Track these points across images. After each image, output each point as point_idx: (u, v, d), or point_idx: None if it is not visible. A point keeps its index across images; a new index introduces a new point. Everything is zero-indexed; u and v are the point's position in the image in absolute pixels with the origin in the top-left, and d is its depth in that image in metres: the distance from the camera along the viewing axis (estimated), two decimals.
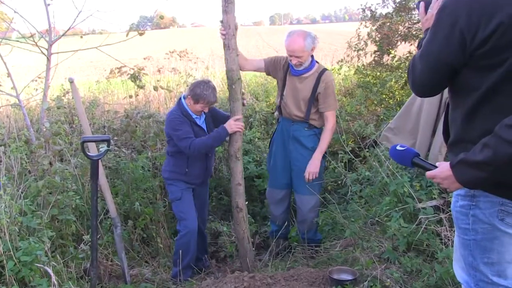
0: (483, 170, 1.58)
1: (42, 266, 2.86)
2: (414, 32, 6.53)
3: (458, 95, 1.79)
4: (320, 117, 3.98)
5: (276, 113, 4.29)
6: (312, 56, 3.92)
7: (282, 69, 4.02)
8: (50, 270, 2.83)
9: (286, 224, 4.24)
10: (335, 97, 3.97)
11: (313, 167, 3.91)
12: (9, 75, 5.15)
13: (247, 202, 3.80)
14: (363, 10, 7.12)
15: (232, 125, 3.64)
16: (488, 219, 1.76)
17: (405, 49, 7.01)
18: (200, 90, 3.63)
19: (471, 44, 1.62)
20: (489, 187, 1.72)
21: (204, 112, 3.85)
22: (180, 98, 3.82)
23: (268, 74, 4.18)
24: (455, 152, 1.80)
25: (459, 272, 1.99)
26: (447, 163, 1.71)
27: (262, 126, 6.31)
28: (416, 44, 6.47)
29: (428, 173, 1.81)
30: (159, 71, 8.06)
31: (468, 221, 1.82)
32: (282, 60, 4.03)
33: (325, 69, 3.96)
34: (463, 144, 1.77)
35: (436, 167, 1.79)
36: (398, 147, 1.94)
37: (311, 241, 4.14)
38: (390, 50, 6.78)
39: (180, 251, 3.79)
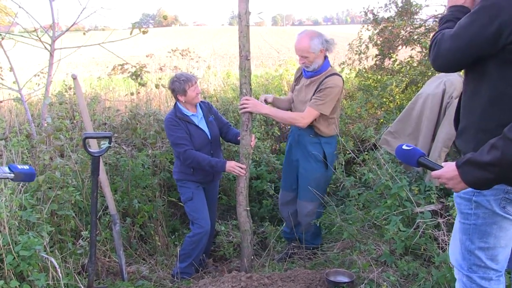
0: (490, 171, 1.60)
1: (46, 256, 2.88)
2: (415, 37, 6.54)
3: (480, 83, 1.83)
4: (327, 126, 3.83)
5: None
6: (326, 58, 3.78)
7: (297, 74, 4.06)
8: (55, 262, 2.85)
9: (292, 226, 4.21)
10: (328, 102, 3.68)
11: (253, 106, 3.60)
12: (11, 69, 5.16)
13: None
14: (366, 13, 7.13)
15: (231, 166, 3.65)
16: (491, 205, 1.83)
17: (406, 54, 7.02)
18: (175, 81, 3.73)
19: (506, 38, 1.68)
20: None
21: (201, 107, 3.89)
22: (176, 103, 3.86)
23: None
24: (463, 139, 1.86)
25: (454, 255, 2.05)
26: (453, 163, 1.74)
27: (262, 126, 6.29)
28: (417, 48, 6.50)
29: (433, 173, 1.83)
30: (161, 69, 8.07)
31: (471, 206, 1.89)
32: (299, 69, 4.06)
33: (334, 74, 3.74)
34: (472, 131, 1.82)
35: (441, 167, 1.81)
36: (404, 147, 1.95)
37: (309, 243, 4.14)
38: (392, 54, 6.79)
39: (189, 248, 3.82)
